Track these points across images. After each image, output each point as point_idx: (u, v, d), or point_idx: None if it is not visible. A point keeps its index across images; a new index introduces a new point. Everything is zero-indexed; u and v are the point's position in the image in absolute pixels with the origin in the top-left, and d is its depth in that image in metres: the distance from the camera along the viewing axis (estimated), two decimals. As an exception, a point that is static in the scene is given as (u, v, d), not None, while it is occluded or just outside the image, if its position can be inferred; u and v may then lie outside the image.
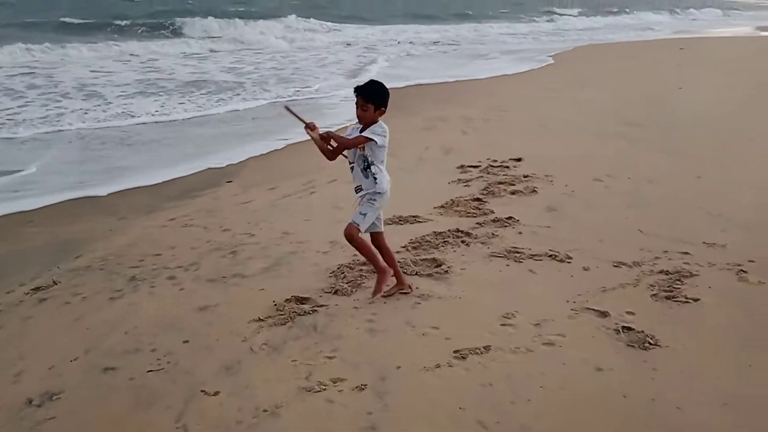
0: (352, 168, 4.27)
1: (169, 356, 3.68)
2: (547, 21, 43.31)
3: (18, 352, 3.83)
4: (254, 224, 5.99)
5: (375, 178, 4.19)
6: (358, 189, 4.26)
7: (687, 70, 17.46)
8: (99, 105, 12.41)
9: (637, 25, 44.88)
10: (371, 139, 4.08)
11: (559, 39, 31.70)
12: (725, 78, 15.61)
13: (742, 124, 10.07)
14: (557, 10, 50.00)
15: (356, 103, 4.12)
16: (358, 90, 4.11)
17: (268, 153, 9.23)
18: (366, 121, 4.13)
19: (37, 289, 4.72)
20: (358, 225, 4.14)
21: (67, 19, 26.53)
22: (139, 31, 26.00)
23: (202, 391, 3.32)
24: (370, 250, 4.28)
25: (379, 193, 4.21)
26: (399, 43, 27.64)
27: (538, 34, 34.97)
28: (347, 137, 4.21)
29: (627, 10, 54.01)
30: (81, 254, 5.43)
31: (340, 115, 11.58)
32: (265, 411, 3.11)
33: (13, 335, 4.06)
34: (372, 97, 4.09)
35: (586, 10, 51.11)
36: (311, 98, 13.94)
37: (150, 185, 7.66)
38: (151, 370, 3.54)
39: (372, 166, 4.17)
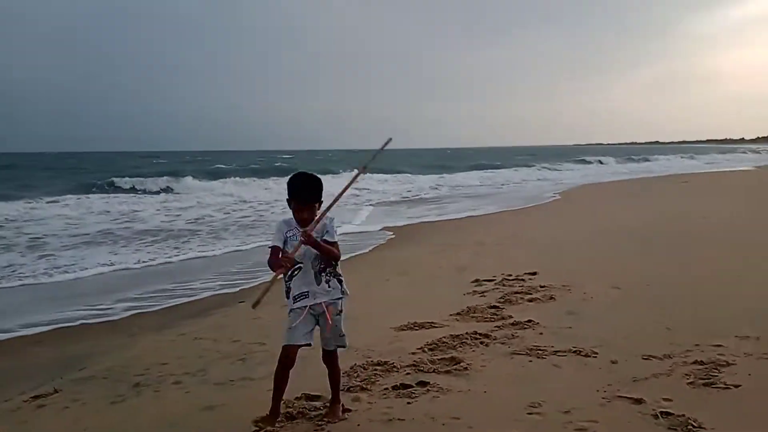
0: (292, 273, 3.63)
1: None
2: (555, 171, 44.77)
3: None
4: (265, 335, 5.80)
5: (340, 281, 3.71)
6: (299, 297, 3.63)
7: (691, 197, 17.75)
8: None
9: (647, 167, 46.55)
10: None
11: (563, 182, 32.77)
12: (728, 199, 15.83)
13: (749, 235, 10.09)
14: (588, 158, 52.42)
15: (298, 208, 3.58)
16: (305, 194, 3.57)
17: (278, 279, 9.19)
18: (310, 220, 3.57)
19: (36, 396, 4.50)
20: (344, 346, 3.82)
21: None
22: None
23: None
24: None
25: (345, 296, 3.73)
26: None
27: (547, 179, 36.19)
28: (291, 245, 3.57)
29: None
30: (85, 366, 5.24)
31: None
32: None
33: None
34: (320, 196, 3.62)
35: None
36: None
37: (163, 308, 7.56)
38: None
39: (330, 268, 3.67)
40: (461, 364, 4.58)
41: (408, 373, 4.46)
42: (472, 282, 7.60)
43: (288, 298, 3.68)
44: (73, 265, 10.11)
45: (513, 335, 5.26)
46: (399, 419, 3.67)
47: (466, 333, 5.31)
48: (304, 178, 3.62)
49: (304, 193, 3.58)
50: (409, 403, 3.93)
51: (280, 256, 3.51)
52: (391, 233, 13.41)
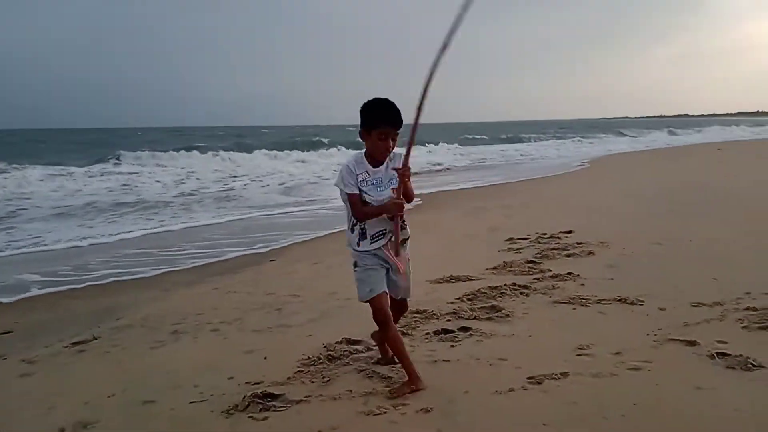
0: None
1: (213, 390, 3.36)
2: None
3: (53, 390, 3.56)
4: (299, 288, 5.75)
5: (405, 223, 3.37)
6: (377, 236, 3.27)
7: (726, 165, 17.28)
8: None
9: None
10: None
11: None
12: (763, 164, 15.38)
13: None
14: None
15: (388, 133, 3.13)
16: (398, 114, 3.12)
17: (311, 239, 9.14)
18: (388, 152, 3.21)
19: (76, 343, 4.50)
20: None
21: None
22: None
23: (250, 416, 2.98)
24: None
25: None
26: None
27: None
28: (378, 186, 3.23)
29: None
30: (122, 317, 5.23)
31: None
32: (320, 432, 2.75)
33: (49, 377, 3.81)
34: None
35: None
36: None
37: (191, 267, 7.54)
38: (194, 401, 3.22)
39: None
40: (503, 311, 4.47)
41: (449, 320, 4.37)
42: (506, 240, 7.45)
43: (356, 244, 3.26)
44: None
45: (553, 286, 5.14)
46: (444, 360, 3.59)
47: (505, 285, 5.19)
48: (388, 100, 3.13)
49: (397, 113, 3.10)
50: (453, 346, 3.85)
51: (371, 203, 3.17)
52: (419, 199, 13.26)
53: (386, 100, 3.12)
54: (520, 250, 6.82)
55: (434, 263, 6.31)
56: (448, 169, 23.39)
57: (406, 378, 3.20)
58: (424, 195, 13.97)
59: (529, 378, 3.22)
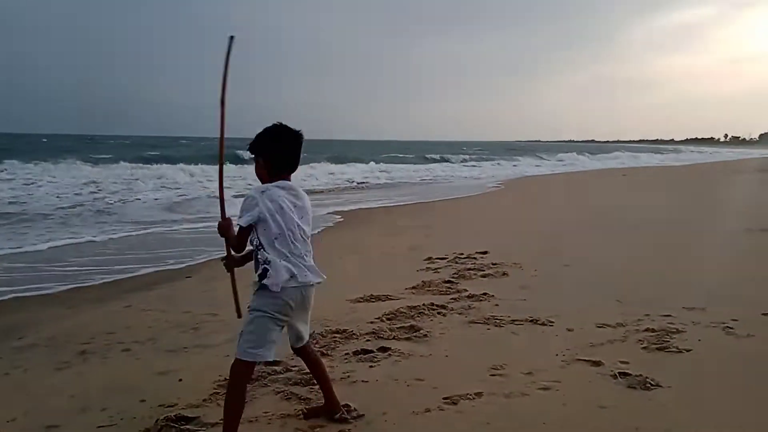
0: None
1: (123, 413, 3.25)
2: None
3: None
4: (218, 306, 5.61)
5: (265, 267, 2.78)
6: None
7: (630, 191, 18.40)
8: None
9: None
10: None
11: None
12: (663, 192, 16.50)
13: (683, 221, 10.56)
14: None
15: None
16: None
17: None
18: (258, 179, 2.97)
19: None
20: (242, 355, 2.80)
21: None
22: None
23: (162, 441, 2.89)
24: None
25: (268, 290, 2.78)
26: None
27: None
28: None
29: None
30: (24, 335, 4.94)
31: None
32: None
33: None
34: (254, 148, 2.93)
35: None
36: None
37: (100, 283, 7.20)
38: (101, 426, 3.09)
39: (259, 251, 2.81)
40: (420, 331, 4.57)
41: (368, 340, 4.41)
42: (425, 260, 7.61)
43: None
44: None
45: (469, 306, 5.29)
46: (363, 381, 3.62)
47: (423, 304, 5.29)
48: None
49: (253, 144, 2.94)
50: (371, 366, 3.89)
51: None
52: (339, 216, 13.31)
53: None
54: (438, 270, 6.99)
55: (354, 282, 6.36)
56: (364, 185, 23.59)
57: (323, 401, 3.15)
58: (344, 212, 14.04)
59: (445, 398, 3.31)
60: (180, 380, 3.74)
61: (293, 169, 2.94)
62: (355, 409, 3.16)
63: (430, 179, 27.68)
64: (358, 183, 24.66)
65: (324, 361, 3.92)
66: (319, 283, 2.93)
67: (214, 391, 3.51)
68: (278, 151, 2.88)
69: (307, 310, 2.99)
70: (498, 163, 42.62)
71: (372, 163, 35.56)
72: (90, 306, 5.98)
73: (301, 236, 2.84)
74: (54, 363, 4.18)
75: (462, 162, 43.43)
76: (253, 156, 2.94)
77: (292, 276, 2.79)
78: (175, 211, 14.41)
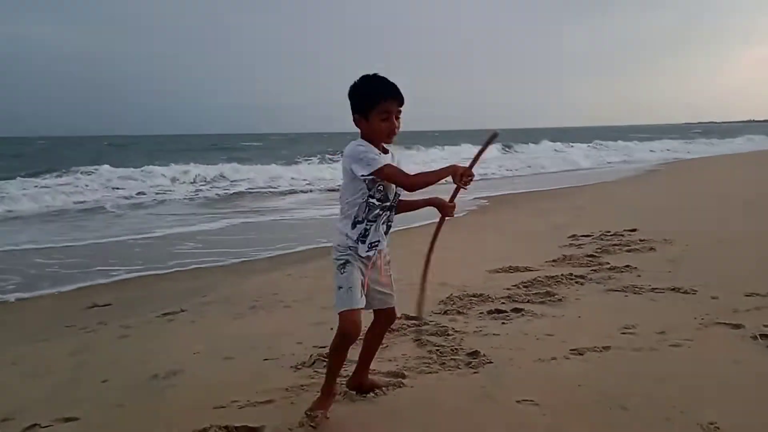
0: (375, 219, 2.76)
1: (284, 351, 3.78)
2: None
3: (147, 348, 4.08)
4: (366, 275, 6.13)
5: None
6: (375, 245, 2.80)
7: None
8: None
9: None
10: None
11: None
12: None
13: None
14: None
15: (383, 114, 2.67)
16: (396, 93, 2.68)
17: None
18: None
19: (166, 314, 5.04)
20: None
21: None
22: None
23: (315, 371, 3.37)
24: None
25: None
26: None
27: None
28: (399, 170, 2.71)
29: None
30: (206, 295, 5.77)
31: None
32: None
33: (143, 338, 4.34)
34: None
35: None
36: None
37: (266, 257, 8.05)
38: (267, 359, 3.64)
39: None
40: (555, 296, 4.69)
41: (503, 303, 4.62)
42: (569, 237, 7.58)
43: (354, 242, 2.76)
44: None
45: (609, 277, 5.29)
46: (494, 334, 3.86)
47: (561, 275, 5.38)
48: (378, 74, 2.73)
49: (395, 85, 2.69)
50: (504, 323, 4.11)
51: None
52: (486, 201, 13.45)
53: (378, 75, 2.72)
54: (582, 246, 6.95)
55: (495, 256, 6.55)
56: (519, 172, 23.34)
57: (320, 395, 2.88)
58: (491, 197, 14.14)
59: (572, 350, 3.45)
60: (331, 329, 4.21)
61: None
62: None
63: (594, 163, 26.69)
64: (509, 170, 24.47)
65: (460, 319, 4.26)
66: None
67: (360, 338, 3.93)
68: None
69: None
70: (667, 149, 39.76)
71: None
72: (257, 274, 6.77)
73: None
74: (230, 315, 4.88)
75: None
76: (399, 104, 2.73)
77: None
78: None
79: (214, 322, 4.70)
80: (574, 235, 7.62)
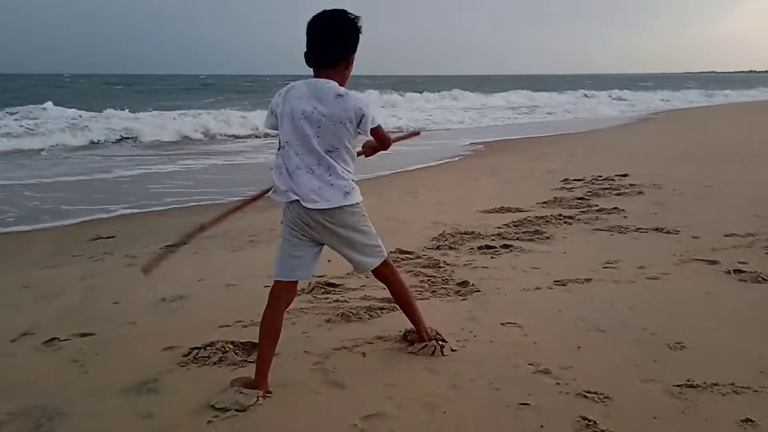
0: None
1: (284, 279, 3.98)
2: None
3: (153, 274, 4.26)
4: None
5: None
6: None
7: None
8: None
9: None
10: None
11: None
12: None
13: None
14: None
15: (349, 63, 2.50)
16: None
17: (374, 177, 9.65)
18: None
19: (169, 245, 5.22)
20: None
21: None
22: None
23: (314, 296, 3.58)
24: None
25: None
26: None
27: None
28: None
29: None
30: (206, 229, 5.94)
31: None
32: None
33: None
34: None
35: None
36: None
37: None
38: (267, 286, 3.82)
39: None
40: (544, 234, 4.89)
41: (493, 239, 4.82)
42: (561, 181, 7.75)
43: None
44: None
45: (597, 218, 5.48)
46: (483, 267, 4.06)
47: (551, 215, 5.57)
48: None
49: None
50: (492, 258, 4.32)
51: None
52: (482, 146, 13.56)
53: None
54: (573, 189, 7.13)
55: (488, 198, 6.72)
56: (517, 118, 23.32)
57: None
58: (487, 142, 14.24)
59: (555, 281, 3.67)
60: (329, 261, 4.41)
61: (321, 61, 2.44)
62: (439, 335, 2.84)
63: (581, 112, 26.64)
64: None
65: (451, 254, 4.46)
66: (311, 209, 2.43)
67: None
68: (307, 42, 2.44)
69: (330, 233, 2.53)
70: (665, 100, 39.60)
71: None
72: (256, 212, 6.91)
73: (309, 149, 2.41)
74: (230, 247, 5.08)
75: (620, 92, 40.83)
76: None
77: (279, 192, 2.50)
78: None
79: (215, 254, 4.90)
80: (566, 179, 7.79)
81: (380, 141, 2.69)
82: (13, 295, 3.91)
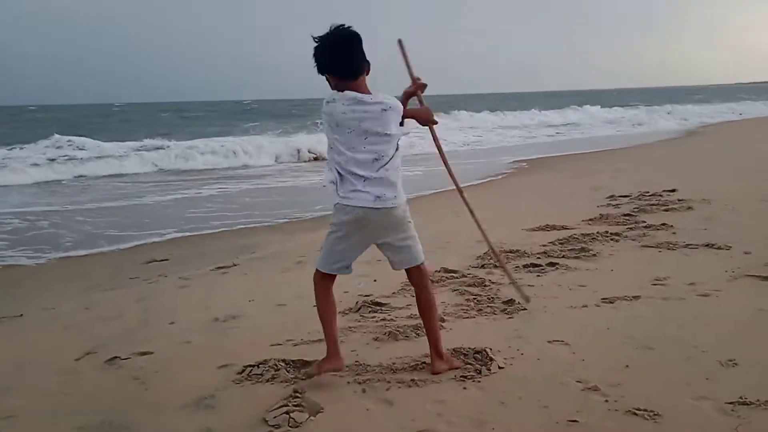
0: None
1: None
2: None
3: (206, 296, 4.42)
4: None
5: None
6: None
7: None
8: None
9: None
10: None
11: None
12: None
13: None
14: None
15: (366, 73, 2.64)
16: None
17: (415, 197, 9.71)
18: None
19: (220, 267, 5.40)
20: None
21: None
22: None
23: (361, 315, 3.65)
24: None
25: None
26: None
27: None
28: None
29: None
30: (255, 251, 6.12)
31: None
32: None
33: (201, 288, 4.69)
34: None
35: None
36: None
37: (309, 218, 8.37)
38: (315, 306, 3.93)
39: None
40: (590, 252, 4.86)
41: (539, 258, 4.82)
42: (607, 197, 7.67)
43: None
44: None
45: (644, 234, 5.41)
46: (529, 285, 4.06)
47: (597, 232, 5.52)
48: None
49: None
50: (538, 276, 4.32)
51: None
52: (525, 164, 13.51)
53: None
54: (619, 206, 7.05)
55: (532, 216, 6.70)
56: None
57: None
58: (530, 160, 14.17)
59: (603, 299, 3.65)
60: (375, 281, 4.50)
61: (348, 73, 2.60)
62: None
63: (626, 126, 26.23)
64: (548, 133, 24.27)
65: (495, 272, 4.47)
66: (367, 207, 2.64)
67: (401, 288, 4.20)
68: (322, 58, 2.61)
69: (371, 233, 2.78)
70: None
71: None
72: (304, 233, 7.10)
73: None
74: (279, 268, 5.21)
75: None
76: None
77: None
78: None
79: (265, 274, 5.03)
80: (612, 196, 7.70)
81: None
82: (76, 317, 4.11)
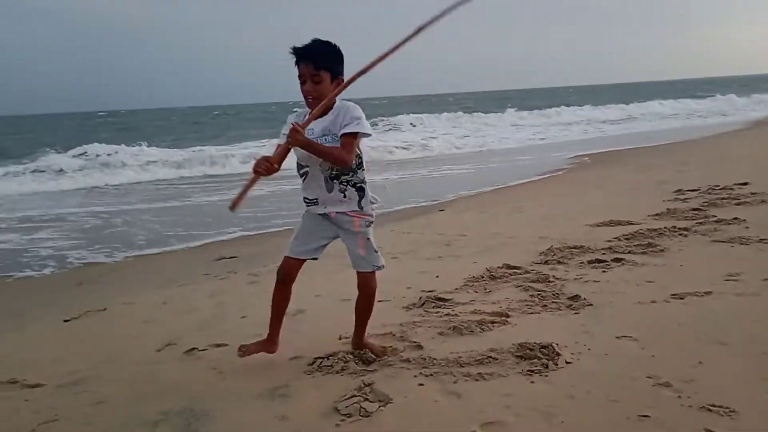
0: (304, 175, 2.94)
1: (395, 294, 4.15)
2: None
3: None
4: (466, 229, 6.39)
5: (360, 190, 3.07)
6: (309, 202, 3.02)
7: None
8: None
9: None
10: (362, 134, 2.79)
11: None
12: None
13: None
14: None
15: (301, 75, 2.74)
16: (301, 53, 2.72)
17: (475, 194, 9.71)
18: (321, 98, 2.70)
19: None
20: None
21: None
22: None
23: (425, 310, 3.71)
24: None
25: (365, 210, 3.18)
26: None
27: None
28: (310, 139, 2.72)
29: None
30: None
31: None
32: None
33: (269, 283, 4.79)
34: (324, 61, 2.72)
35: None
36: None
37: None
38: (380, 300, 4.00)
39: (346, 176, 2.91)
40: (658, 247, 4.76)
41: (603, 253, 4.75)
42: (674, 192, 7.47)
43: None
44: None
45: (715, 229, 5.26)
46: (594, 281, 4.03)
47: (665, 227, 5.40)
48: (313, 41, 2.74)
49: (304, 46, 2.72)
50: (604, 271, 4.27)
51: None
52: (587, 158, 13.26)
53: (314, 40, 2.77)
54: (687, 200, 6.86)
55: (595, 211, 6.61)
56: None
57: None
58: (592, 154, 13.88)
59: (672, 294, 3.58)
60: (437, 276, 4.55)
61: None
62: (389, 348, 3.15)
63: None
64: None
65: (559, 267, 4.45)
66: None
67: (464, 284, 4.24)
68: (343, 64, 2.79)
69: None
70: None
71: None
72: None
73: None
74: (342, 265, 5.03)
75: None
76: (313, 67, 2.70)
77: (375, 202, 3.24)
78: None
79: (329, 270, 5.11)
80: (679, 190, 7.50)
81: None
82: (155, 311, 4.32)
